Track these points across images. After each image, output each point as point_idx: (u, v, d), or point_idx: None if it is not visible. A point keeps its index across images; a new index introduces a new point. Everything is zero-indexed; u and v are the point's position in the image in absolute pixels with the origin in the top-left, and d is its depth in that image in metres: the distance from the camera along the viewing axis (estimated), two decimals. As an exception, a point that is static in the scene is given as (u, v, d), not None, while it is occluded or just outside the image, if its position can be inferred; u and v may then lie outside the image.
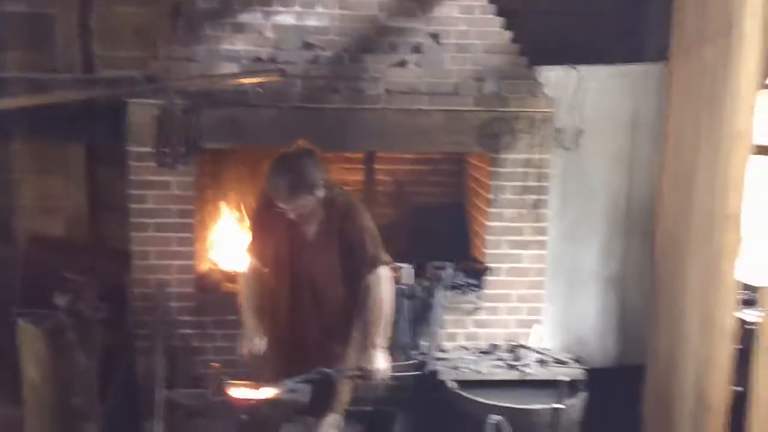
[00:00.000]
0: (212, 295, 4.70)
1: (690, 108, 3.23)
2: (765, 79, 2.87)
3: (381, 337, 3.36)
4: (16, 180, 5.28)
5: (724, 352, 2.79)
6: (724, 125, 2.95)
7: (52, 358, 4.10)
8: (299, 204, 3.25)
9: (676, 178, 3.35)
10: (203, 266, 4.92)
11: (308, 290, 3.41)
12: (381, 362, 3.34)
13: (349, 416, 4.63)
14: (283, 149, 3.38)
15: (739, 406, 2.85)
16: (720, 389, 2.79)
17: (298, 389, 3.14)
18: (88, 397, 4.20)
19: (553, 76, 4.64)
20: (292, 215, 3.29)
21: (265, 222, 3.45)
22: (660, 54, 4.72)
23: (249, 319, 3.42)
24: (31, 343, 4.14)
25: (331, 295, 3.45)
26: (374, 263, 3.38)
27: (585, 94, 4.62)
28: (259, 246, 3.51)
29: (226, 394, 3.04)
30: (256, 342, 3.38)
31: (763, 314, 2.74)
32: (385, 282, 3.39)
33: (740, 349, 2.89)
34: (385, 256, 3.42)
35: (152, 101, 4.40)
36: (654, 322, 3.46)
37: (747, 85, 2.86)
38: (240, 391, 3.06)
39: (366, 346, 3.37)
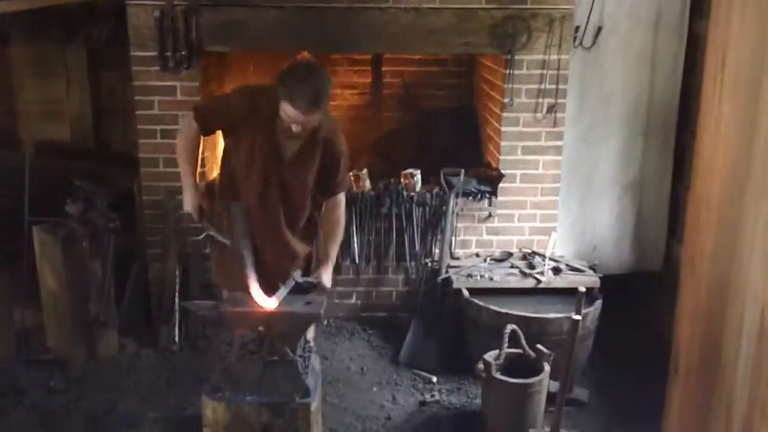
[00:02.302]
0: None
1: (750, 28, 2.94)
2: None
3: (335, 253, 3.47)
4: (17, 85, 5.20)
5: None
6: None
7: (68, 266, 4.14)
8: (314, 117, 3.12)
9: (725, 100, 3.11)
10: (213, 173, 4.86)
11: (277, 202, 3.34)
12: (329, 276, 3.39)
13: (364, 323, 4.74)
14: (292, 57, 3.22)
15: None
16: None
17: (310, 301, 3.15)
18: (104, 303, 4.25)
19: (573, -30, 4.38)
20: (296, 128, 3.12)
21: (243, 118, 3.27)
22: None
23: (188, 174, 3.43)
24: (46, 251, 4.16)
25: (298, 212, 3.44)
26: (342, 187, 3.49)
27: (607, -10, 4.38)
28: (213, 122, 3.36)
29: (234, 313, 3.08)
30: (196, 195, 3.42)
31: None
32: (343, 205, 3.53)
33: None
34: (348, 182, 3.55)
35: (152, 2, 4.22)
36: (692, 236, 3.32)
37: None
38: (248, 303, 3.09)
39: (323, 260, 3.43)
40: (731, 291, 2.98)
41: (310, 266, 3.51)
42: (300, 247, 3.47)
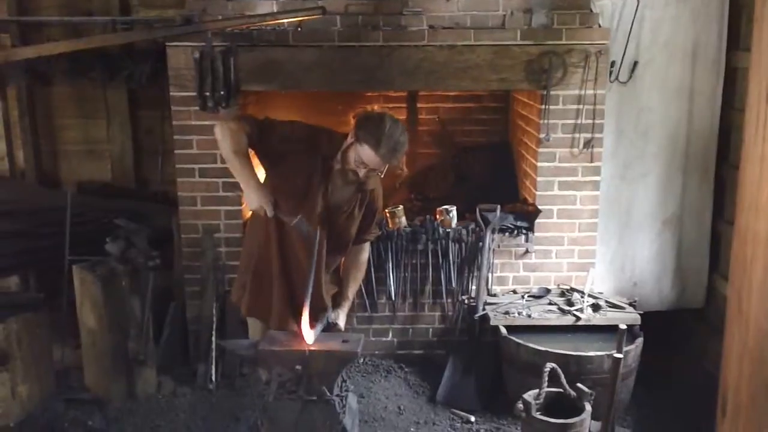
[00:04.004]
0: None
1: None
2: None
3: (354, 295, 3.56)
4: (59, 126, 5.31)
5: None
6: None
7: (107, 304, 4.17)
8: (386, 166, 3.17)
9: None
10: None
11: (322, 242, 3.28)
12: (345, 317, 3.45)
13: (400, 360, 4.70)
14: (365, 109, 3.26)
15: None
16: None
17: (347, 339, 3.15)
18: (143, 342, 4.28)
19: (608, 5, 4.36)
20: (363, 172, 3.15)
21: (300, 150, 3.25)
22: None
23: (246, 168, 3.19)
24: (86, 289, 4.21)
25: (338, 256, 3.47)
26: (370, 236, 3.57)
27: (642, 24, 4.35)
28: (268, 139, 3.22)
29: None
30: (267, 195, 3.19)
31: None
32: (368, 250, 3.66)
33: None
34: (376, 231, 3.63)
35: (191, 44, 4.32)
36: (738, 272, 3.24)
37: None
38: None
39: (341, 301, 3.47)
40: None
41: (334, 306, 3.50)
42: (329, 288, 3.48)
